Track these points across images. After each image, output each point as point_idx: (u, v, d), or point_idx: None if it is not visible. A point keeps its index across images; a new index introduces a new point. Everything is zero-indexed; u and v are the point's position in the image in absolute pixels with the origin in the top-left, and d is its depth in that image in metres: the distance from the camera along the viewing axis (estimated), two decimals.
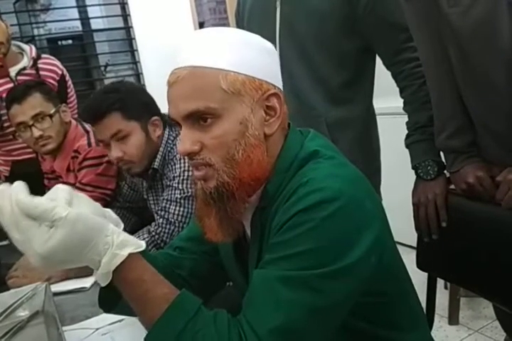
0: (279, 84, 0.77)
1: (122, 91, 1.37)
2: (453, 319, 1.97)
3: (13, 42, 1.96)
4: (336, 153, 0.77)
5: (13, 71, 1.91)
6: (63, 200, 0.64)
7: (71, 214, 0.62)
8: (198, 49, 0.71)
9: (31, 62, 1.94)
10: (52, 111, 1.63)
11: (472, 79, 0.98)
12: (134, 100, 1.36)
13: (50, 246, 0.61)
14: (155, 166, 1.41)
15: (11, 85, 1.87)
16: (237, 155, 0.70)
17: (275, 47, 1.24)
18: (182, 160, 1.38)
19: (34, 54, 1.97)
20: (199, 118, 0.70)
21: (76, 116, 2.03)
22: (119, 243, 0.65)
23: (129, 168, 1.41)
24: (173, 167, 1.39)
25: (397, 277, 0.79)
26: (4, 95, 1.74)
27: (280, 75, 0.78)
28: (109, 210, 0.75)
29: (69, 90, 2.08)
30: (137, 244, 0.67)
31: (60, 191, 0.67)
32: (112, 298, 0.75)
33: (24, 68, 1.93)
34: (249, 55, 0.72)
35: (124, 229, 1.76)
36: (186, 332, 0.63)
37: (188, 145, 0.71)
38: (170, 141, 1.43)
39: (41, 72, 1.96)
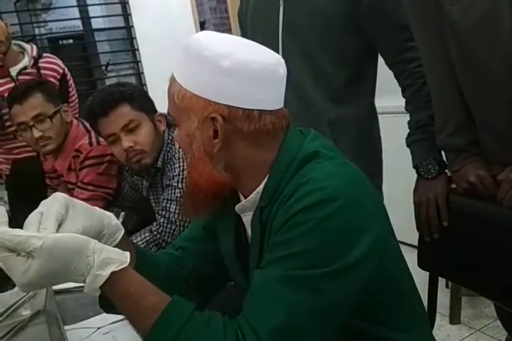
0: (244, 102, 0.72)
1: (128, 86, 1.42)
2: (454, 318, 1.96)
3: (14, 41, 1.96)
4: (337, 154, 0.77)
5: (14, 71, 1.91)
6: (52, 218, 0.65)
7: (47, 242, 0.61)
8: (177, 59, 0.75)
9: (32, 62, 1.94)
10: (52, 112, 1.62)
11: (473, 77, 0.98)
12: (140, 94, 1.42)
13: (29, 277, 0.61)
14: (158, 165, 1.42)
15: (11, 85, 1.87)
16: (188, 161, 0.78)
17: (278, 45, 1.26)
18: (181, 159, 1.38)
19: (35, 53, 1.97)
20: None
21: (77, 115, 2.03)
22: (101, 262, 0.64)
23: (140, 159, 1.39)
24: (173, 166, 1.39)
25: (399, 277, 0.79)
26: (5, 95, 1.75)
27: (252, 91, 0.72)
28: (110, 215, 0.75)
29: (70, 89, 2.09)
30: (120, 260, 0.66)
31: (54, 204, 0.67)
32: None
33: (25, 67, 1.93)
34: (198, 74, 0.72)
35: (127, 228, 1.77)
36: (180, 340, 0.63)
37: (175, 137, 0.81)
38: (169, 141, 1.43)
39: (42, 71, 1.96)
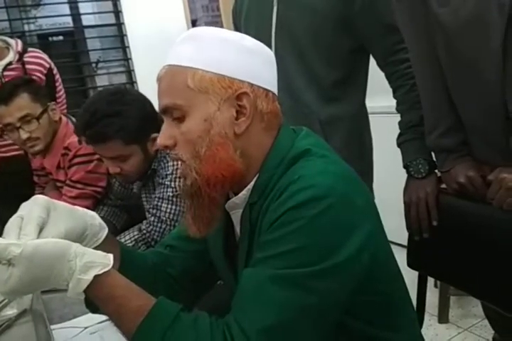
0: (263, 82, 0.75)
1: (124, 115, 1.31)
2: (443, 317, 1.98)
3: None
4: (328, 152, 0.77)
5: None
6: (33, 224, 0.63)
7: (26, 249, 0.60)
8: (176, 48, 0.74)
9: (17, 57, 1.92)
10: (39, 113, 1.60)
11: (461, 79, 0.98)
12: (135, 123, 1.31)
13: (11, 284, 0.60)
14: (154, 166, 1.41)
15: None
16: (202, 151, 0.72)
17: (270, 44, 1.26)
18: None
19: (20, 48, 1.94)
20: (172, 114, 0.73)
21: (65, 111, 2.01)
22: (83, 266, 0.63)
23: (125, 179, 1.44)
24: (166, 165, 1.38)
25: (391, 275, 0.79)
26: None
27: (267, 74, 0.76)
28: (93, 214, 0.74)
29: (57, 84, 2.06)
30: (103, 263, 0.65)
31: (35, 207, 0.66)
32: None
33: (10, 63, 1.90)
34: (221, 54, 0.72)
35: (115, 227, 1.75)
36: None
37: (163, 139, 0.74)
38: None
39: (28, 66, 1.93)
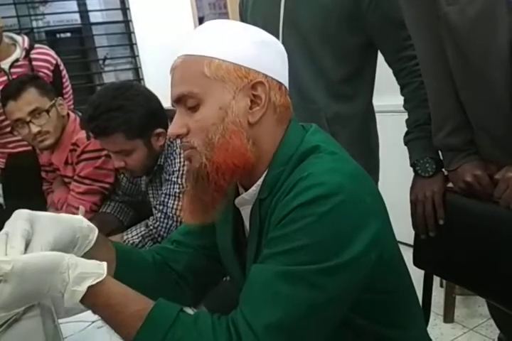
0: (276, 75, 0.76)
1: (127, 109, 1.31)
2: (448, 317, 1.97)
3: (6, 33, 1.94)
4: (338, 149, 0.77)
5: (6, 63, 1.89)
6: (18, 237, 0.64)
7: (16, 266, 0.60)
8: (192, 39, 0.75)
9: (24, 53, 1.92)
10: (48, 106, 1.61)
11: (469, 78, 0.98)
12: (138, 118, 1.31)
13: (4, 300, 0.61)
14: (160, 163, 1.42)
15: (4, 78, 1.86)
16: (215, 139, 0.72)
17: (278, 39, 1.25)
18: (182, 155, 1.37)
19: (26, 44, 1.94)
20: (186, 103, 0.73)
21: (72, 107, 2.02)
22: (76, 278, 0.63)
23: (131, 173, 1.46)
24: (173, 161, 1.38)
25: (398, 273, 0.79)
26: None
27: (280, 67, 0.78)
28: (80, 218, 0.74)
29: (64, 80, 2.06)
30: (96, 273, 0.65)
31: (18, 221, 0.66)
32: None
33: (17, 60, 1.91)
34: (238, 44, 0.73)
35: (122, 223, 1.76)
36: None
37: (176, 128, 0.74)
38: None
39: (35, 63, 1.94)
